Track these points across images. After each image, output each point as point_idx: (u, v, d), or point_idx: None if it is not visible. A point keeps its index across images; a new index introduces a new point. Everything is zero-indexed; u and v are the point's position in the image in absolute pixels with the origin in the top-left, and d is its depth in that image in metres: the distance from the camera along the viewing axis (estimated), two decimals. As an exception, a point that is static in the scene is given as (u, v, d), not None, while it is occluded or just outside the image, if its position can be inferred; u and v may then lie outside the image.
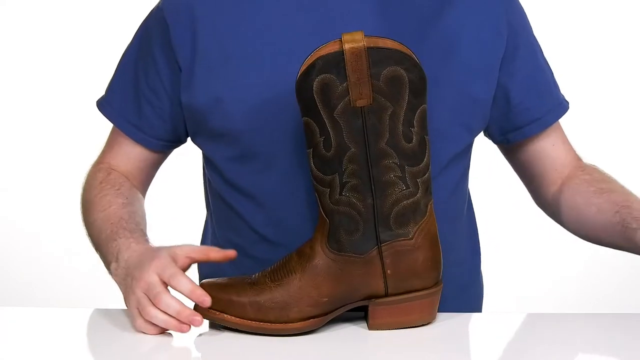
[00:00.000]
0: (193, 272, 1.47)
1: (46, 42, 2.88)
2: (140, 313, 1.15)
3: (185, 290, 1.13)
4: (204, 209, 1.46)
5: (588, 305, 2.76)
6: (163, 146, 1.38)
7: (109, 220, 1.28)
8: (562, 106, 1.39)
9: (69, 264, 2.87)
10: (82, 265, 2.84)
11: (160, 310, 1.13)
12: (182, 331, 1.12)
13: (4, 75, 2.89)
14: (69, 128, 2.87)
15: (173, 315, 1.12)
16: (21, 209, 2.90)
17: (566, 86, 1.41)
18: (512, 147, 1.39)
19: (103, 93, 1.41)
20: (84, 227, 1.36)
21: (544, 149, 1.37)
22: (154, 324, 1.14)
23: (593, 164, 1.39)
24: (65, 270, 2.87)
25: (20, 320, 1.27)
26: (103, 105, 1.40)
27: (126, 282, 1.18)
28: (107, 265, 1.25)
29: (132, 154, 1.38)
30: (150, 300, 1.14)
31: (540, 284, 2.83)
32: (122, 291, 1.20)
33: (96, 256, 1.31)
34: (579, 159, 1.40)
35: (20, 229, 2.90)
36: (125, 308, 1.19)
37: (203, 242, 1.45)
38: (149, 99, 1.34)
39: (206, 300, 1.12)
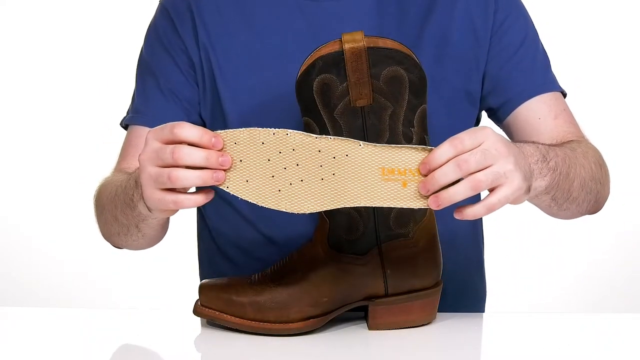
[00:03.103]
0: (193, 274, 1.47)
1: (47, 43, 2.88)
2: (162, 188, 1.03)
3: (194, 135, 1.01)
4: (191, 213, 1.43)
5: (590, 305, 2.76)
6: None
7: (122, 178, 1.20)
8: (548, 85, 1.34)
9: (69, 264, 2.87)
10: (81, 266, 2.85)
11: (185, 167, 1.01)
12: (218, 181, 1.01)
13: (5, 76, 2.89)
14: (70, 129, 2.87)
15: (202, 164, 1.01)
16: (21, 209, 2.90)
17: (566, 85, 1.40)
18: (507, 126, 1.35)
19: (125, 113, 1.37)
20: (98, 223, 1.30)
21: (529, 122, 1.32)
22: (176, 193, 1.03)
23: (595, 146, 1.32)
24: (65, 270, 2.87)
25: (20, 320, 1.27)
26: (133, 119, 1.35)
27: (138, 182, 1.08)
28: (133, 205, 1.14)
29: None
30: (167, 166, 1.02)
31: (544, 284, 2.83)
32: (144, 197, 1.07)
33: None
34: (579, 138, 1.32)
35: (20, 230, 2.90)
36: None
37: (200, 247, 1.44)
38: (173, 92, 1.32)
39: (218, 141, 1.01)
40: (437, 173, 1.01)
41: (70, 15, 2.87)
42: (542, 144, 1.18)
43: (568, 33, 2.78)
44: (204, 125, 1.34)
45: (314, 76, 1.07)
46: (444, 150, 1.01)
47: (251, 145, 1.03)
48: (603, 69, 2.82)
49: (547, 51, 1.38)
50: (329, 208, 1.04)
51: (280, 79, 1.26)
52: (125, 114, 1.38)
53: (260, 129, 1.03)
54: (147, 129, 1.32)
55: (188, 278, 1.68)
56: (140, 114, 1.34)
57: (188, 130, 1.02)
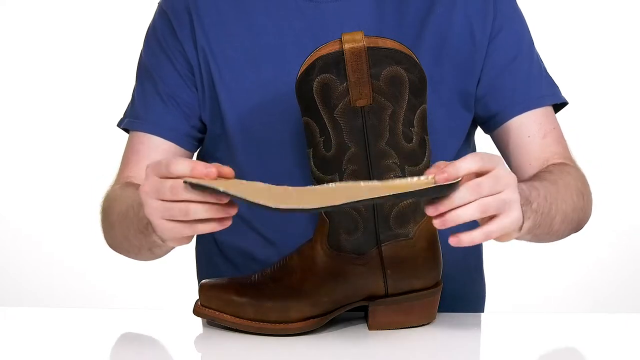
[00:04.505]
0: (193, 274, 1.47)
1: (47, 43, 2.88)
2: (170, 219, 1.04)
3: (186, 169, 1.02)
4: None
5: (590, 305, 2.75)
6: (187, 143, 1.34)
7: (132, 197, 1.20)
8: (540, 99, 1.32)
9: (68, 264, 2.87)
10: (81, 266, 2.85)
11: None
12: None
13: (5, 76, 2.89)
14: (70, 129, 2.87)
15: (207, 215, 1.03)
16: (21, 209, 2.90)
17: (564, 87, 1.40)
18: (496, 136, 1.35)
19: (122, 115, 1.38)
20: (105, 236, 1.30)
21: (519, 138, 1.31)
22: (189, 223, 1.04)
23: (579, 167, 1.32)
24: (64, 270, 2.87)
25: (20, 320, 1.27)
26: (131, 123, 1.35)
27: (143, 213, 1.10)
28: (148, 233, 1.14)
29: (157, 152, 1.32)
30: (167, 200, 1.03)
31: (543, 284, 2.83)
32: (154, 229, 1.09)
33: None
34: (565, 159, 1.32)
35: (20, 229, 2.90)
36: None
37: (199, 247, 1.44)
38: (172, 97, 1.32)
39: (211, 170, 1.02)
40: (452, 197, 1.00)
41: (70, 15, 2.87)
42: (525, 183, 1.16)
43: (566, 36, 2.79)
44: (204, 128, 1.34)
45: (314, 76, 1.07)
46: (463, 195, 1.00)
47: (248, 188, 1.03)
48: (601, 70, 2.82)
49: (543, 56, 1.37)
50: (331, 204, 1.02)
51: (280, 80, 1.26)
52: (123, 114, 1.38)
53: (258, 187, 1.03)
54: (147, 135, 1.33)
55: (188, 278, 1.68)
56: (140, 120, 1.34)
57: (180, 166, 1.03)
